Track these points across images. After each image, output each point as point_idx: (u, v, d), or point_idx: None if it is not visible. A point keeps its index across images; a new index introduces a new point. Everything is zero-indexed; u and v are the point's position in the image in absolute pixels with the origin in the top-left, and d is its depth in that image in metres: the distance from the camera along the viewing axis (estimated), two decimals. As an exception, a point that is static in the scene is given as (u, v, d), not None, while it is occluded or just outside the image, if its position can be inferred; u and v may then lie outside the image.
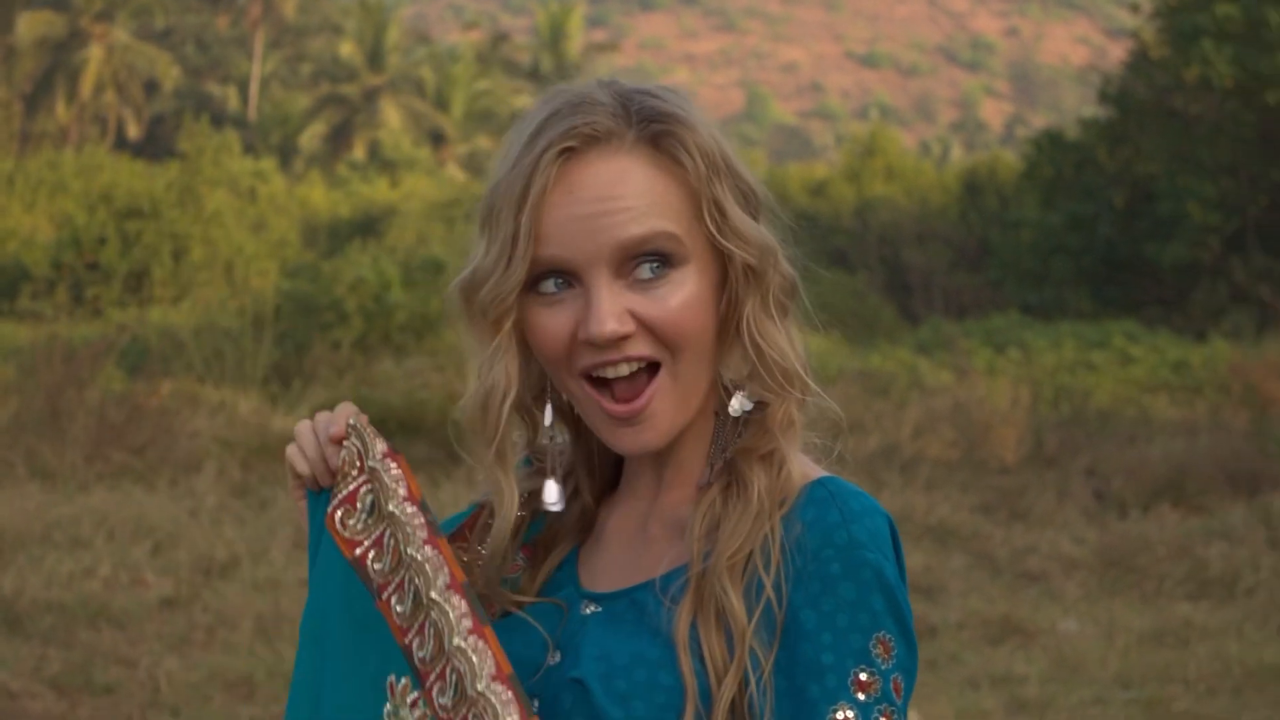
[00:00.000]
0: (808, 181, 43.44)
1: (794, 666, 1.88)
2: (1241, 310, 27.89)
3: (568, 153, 1.96)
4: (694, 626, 1.92)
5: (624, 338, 1.94)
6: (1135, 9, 33.60)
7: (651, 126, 1.98)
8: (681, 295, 1.96)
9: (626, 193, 1.95)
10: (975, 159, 47.68)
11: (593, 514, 2.14)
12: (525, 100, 64.28)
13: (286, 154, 56.42)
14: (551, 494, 2.07)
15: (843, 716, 1.87)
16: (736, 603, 1.90)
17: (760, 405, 2.03)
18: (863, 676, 1.88)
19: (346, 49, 61.08)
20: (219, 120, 52.60)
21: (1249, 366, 20.30)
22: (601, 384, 1.98)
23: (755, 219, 2.03)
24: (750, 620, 1.89)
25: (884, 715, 1.88)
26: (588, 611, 2.02)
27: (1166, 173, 30.05)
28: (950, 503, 12.95)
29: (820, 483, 1.96)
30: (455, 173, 55.41)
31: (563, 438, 2.13)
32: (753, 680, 1.89)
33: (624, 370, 1.96)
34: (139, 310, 24.26)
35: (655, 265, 1.96)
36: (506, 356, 2.00)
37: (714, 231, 1.98)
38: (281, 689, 7.97)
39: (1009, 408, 16.81)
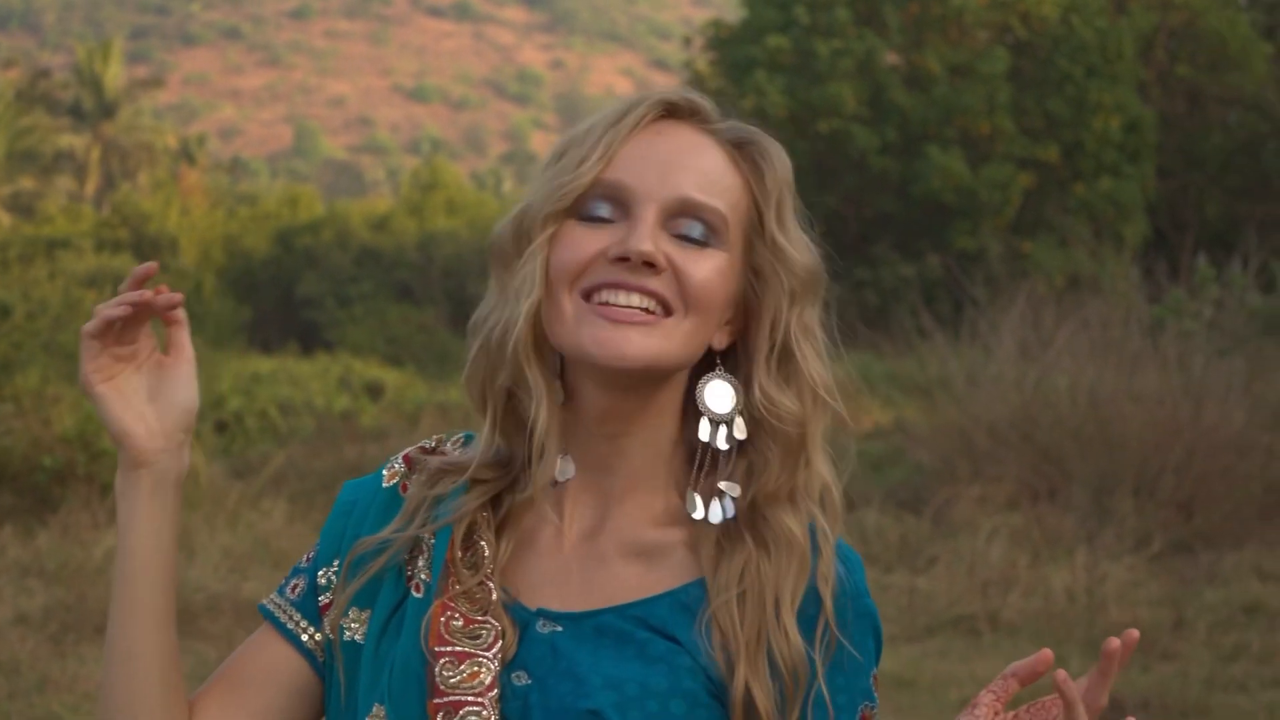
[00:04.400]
0: (369, 216, 43.26)
1: (815, 707, 2.00)
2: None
3: (668, 107, 2.06)
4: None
5: (651, 268, 1.99)
6: (688, 42, 34.43)
7: (740, 132, 2.09)
8: (712, 266, 2.03)
9: (705, 162, 2.05)
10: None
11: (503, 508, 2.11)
12: (69, 139, 62.57)
13: None
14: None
15: None
16: (798, 641, 2.00)
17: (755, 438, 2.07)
18: (865, 712, 2.05)
19: (-121, 88, 58.55)
20: None
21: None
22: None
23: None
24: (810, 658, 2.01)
25: None
26: (545, 630, 2.02)
27: (725, 200, 30.80)
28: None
29: (819, 530, 2.06)
30: (0, 215, 53.55)
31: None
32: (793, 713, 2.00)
33: (635, 301, 1.98)
34: None
35: (693, 240, 2.02)
36: (538, 264, 2.01)
37: (771, 238, 2.06)
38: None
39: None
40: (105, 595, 10.41)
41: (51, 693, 8.49)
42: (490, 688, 1.97)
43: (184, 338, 2.10)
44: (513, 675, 1.99)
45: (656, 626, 1.99)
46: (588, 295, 1.99)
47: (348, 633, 2.09)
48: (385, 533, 2.10)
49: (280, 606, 2.15)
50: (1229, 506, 12.14)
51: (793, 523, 2.02)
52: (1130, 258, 25.79)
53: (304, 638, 2.12)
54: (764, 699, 1.96)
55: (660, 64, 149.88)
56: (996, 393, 14.11)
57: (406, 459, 2.17)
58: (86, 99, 65.08)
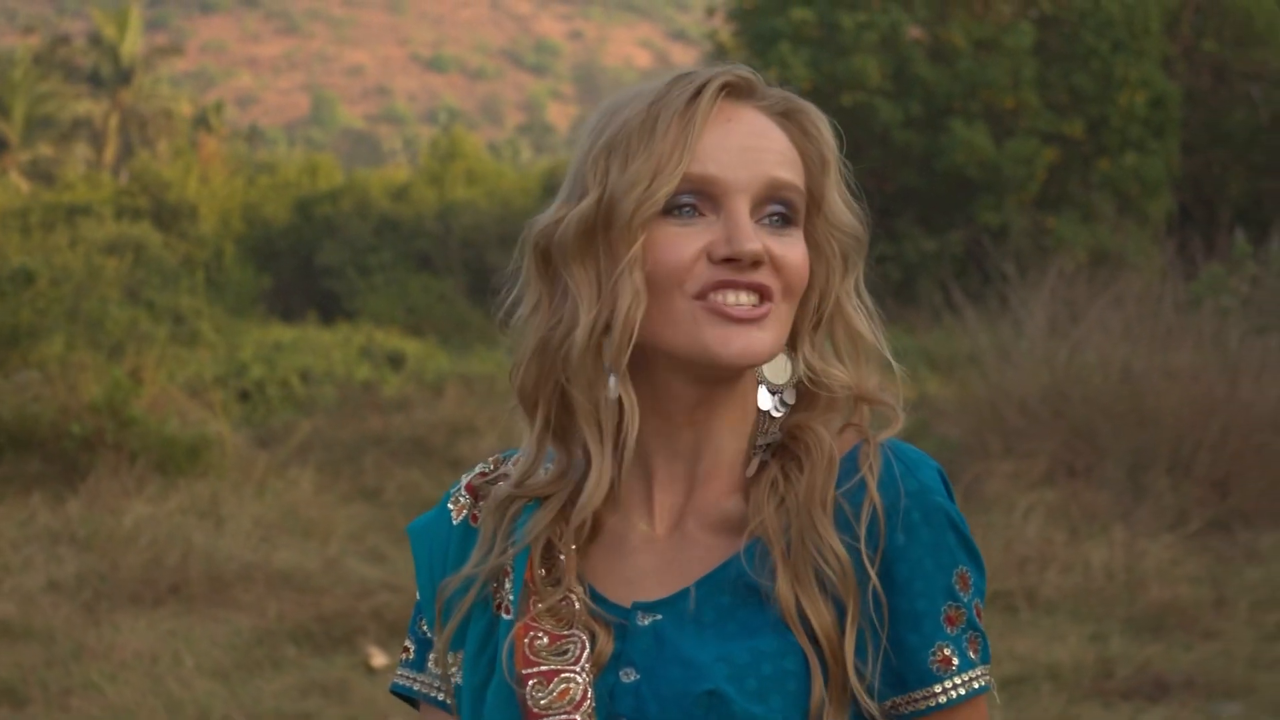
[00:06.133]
0: (389, 186, 43.20)
1: (891, 618, 1.95)
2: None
3: (727, 89, 2.01)
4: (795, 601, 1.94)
5: (757, 263, 1.96)
6: (710, 12, 34.33)
7: (785, 101, 2.07)
8: (800, 248, 2.02)
9: (776, 142, 2.02)
10: (554, 161, 48.12)
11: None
12: (87, 105, 62.57)
13: None
14: None
15: (941, 655, 1.97)
16: (835, 543, 1.94)
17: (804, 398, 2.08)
18: (950, 612, 1.97)
19: (-101, 53, 58.56)
20: None
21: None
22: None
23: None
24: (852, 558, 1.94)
25: (970, 643, 1.98)
26: (646, 622, 1.99)
27: (748, 173, 30.73)
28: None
29: (865, 441, 2.02)
30: (19, 181, 53.56)
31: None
32: (850, 630, 1.94)
33: (744, 299, 1.96)
34: None
35: (779, 218, 2.01)
36: (639, 271, 1.97)
37: (828, 208, 2.05)
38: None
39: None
40: (137, 563, 10.39)
41: (88, 660, 8.46)
42: (581, 702, 1.95)
43: None
44: (621, 673, 1.98)
45: (750, 583, 1.97)
46: (696, 295, 1.97)
47: (451, 678, 2.08)
48: (467, 569, 2.06)
49: (426, 683, 2.14)
50: (1264, 484, 12.06)
51: (817, 430, 2.03)
52: (1154, 234, 25.70)
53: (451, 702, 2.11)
54: (812, 607, 1.93)
55: (680, 36, 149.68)
56: (1027, 368, 14.04)
57: (470, 489, 2.14)
58: (104, 66, 65.10)
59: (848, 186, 2.09)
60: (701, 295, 1.96)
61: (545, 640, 1.98)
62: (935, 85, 29.86)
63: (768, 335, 1.97)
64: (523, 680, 1.96)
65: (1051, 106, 29.99)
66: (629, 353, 1.96)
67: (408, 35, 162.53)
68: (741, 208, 1.97)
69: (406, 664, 2.15)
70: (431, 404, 19.03)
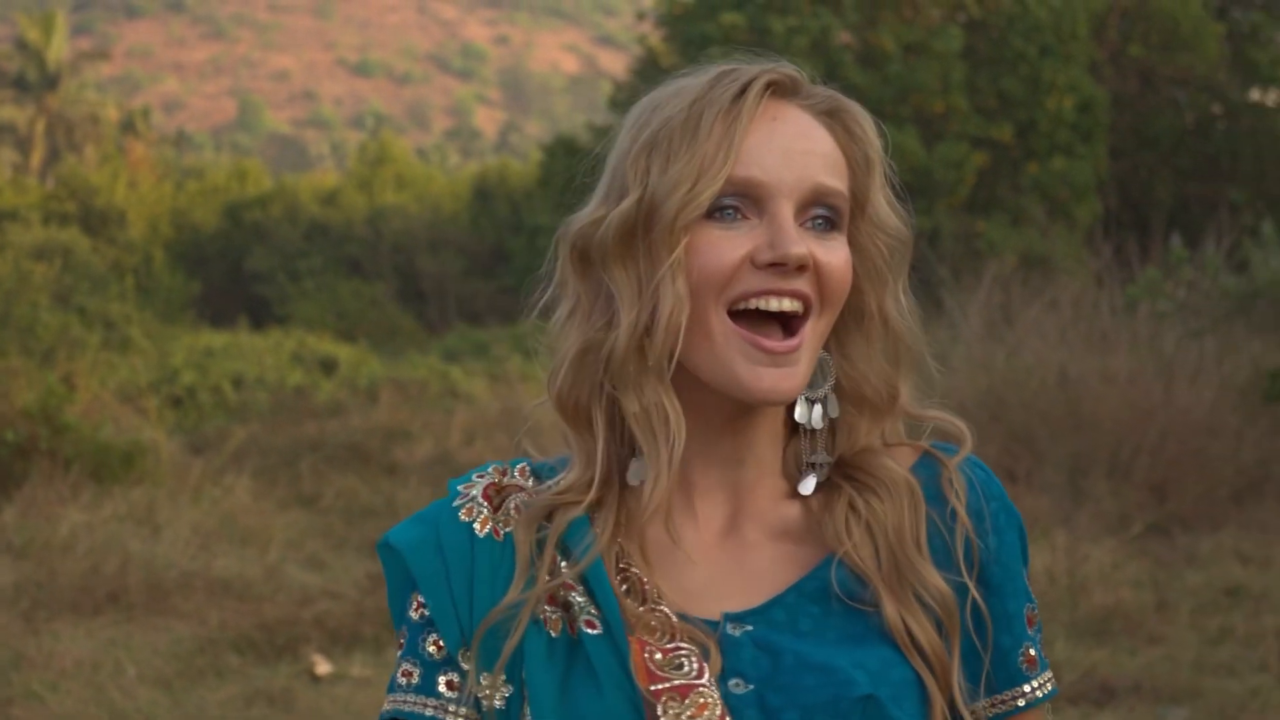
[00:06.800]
0: (318, 191, 43.01)
1: (988, 621, 1.98)
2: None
3: (773, 87, 1.97)
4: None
5: (800, 268, 1.92)
6: (640, 17, 34.33)
7: (829, 100, 2.03)
8: (844, 254, 1.97)
9: (821, 144, 1.98)
10: (484, 166, 47.98)
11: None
12: (12, 111, 62.10)
13: None
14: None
15: (1028, 655, 2.01)
16: (937, 580, 1.94)
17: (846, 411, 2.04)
18: (1029, 613, 2.03)
19: None
20: None
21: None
22: (745, 323, 1.93)
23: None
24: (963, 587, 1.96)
25: (1042, 644, 2.05)
26: (737, 633, 1.94)
27: (681, 177, 30.72)
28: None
29: (941, 465, 2.02)
30: (-56, 185, 53.05)
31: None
32: (954, 656, 1.95)
33: (786, 305, 1.92)
34: None
35: (822, 221, 1.96)
36: (681, 276, 1.91)
37: (873, 212, 2.01)
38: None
39: (555, 412, 16.96)
40: (75, 571, 10.29)
41: (28, 670, 8.37)
42: (723, 718, 1.87)
43: None
44: (730, 685, 1.91)
45: (842, 592, 1.95)
46: (731, 307, 1.92)
47: (484, 702, 1.96)
48: (513, 593, 1.96)
49: (440, 707, 1.99)
50: (1201, 489, 12.12)
51: (887, 462, 2.01)
52: (1082, 238, 25.86)
53: None
54: (921, 629, 1.92)
55: (606, 40, 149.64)
56: (964, 372, 14.07)
57: (487, 498, 2.04)
58: (30, 71, 64.63)
59: (891, 187, 2.05)
60: (742, 300, 1.91)
61: (660, 656, 1.90)
62: (865, 89, 29.90)
63: (799, 370, 1.93)
64: (655, 696, 1.87)
65: (980, 111, 30.12)
66: (674, 360, 1.92)
67: (334, 40, 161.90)
68: (786, 211, 1.93)
69: (410, 689, 1.99)
70: (365, 409, 18.95)
